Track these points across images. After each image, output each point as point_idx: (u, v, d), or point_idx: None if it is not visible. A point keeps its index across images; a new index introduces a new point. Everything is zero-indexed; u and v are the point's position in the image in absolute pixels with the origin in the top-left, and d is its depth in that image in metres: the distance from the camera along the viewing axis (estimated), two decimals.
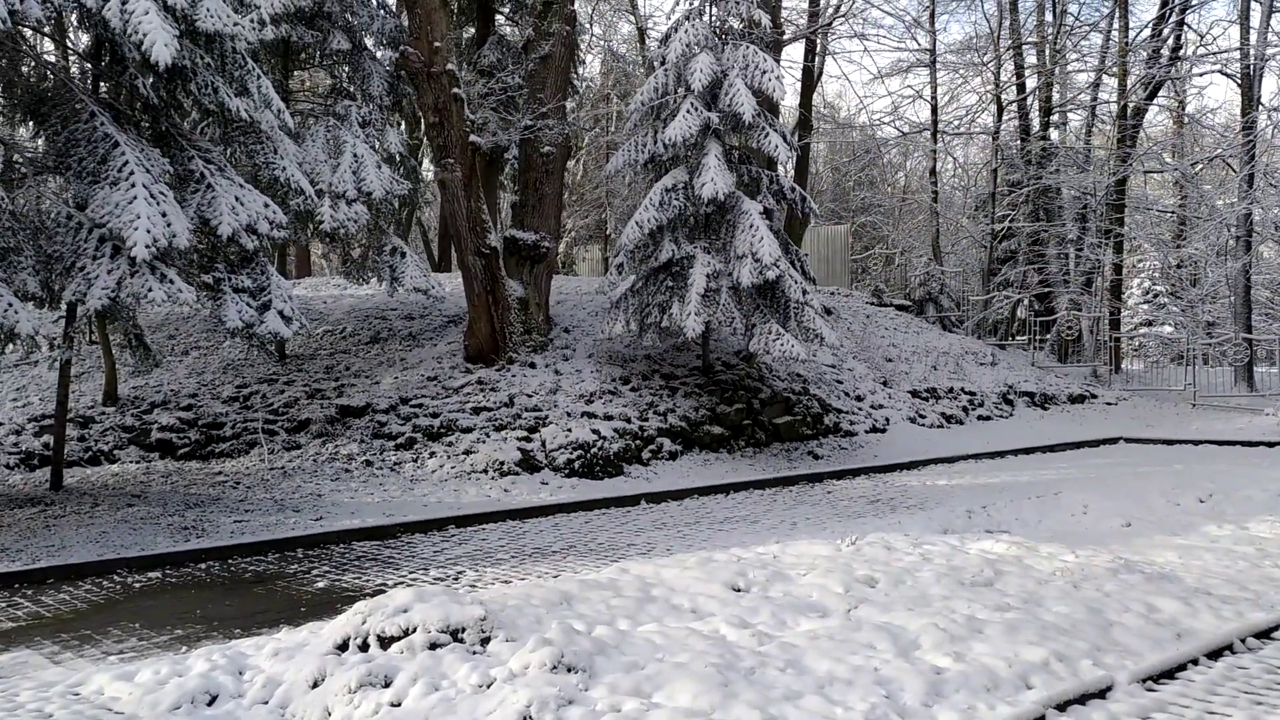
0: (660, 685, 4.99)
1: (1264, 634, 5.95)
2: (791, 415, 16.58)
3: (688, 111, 14.84)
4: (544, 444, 13.81)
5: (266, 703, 5.15)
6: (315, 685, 5.14)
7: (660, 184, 15.26)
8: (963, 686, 5.06)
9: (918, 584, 7.06)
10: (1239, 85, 27.57)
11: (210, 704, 5.18)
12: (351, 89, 16.20)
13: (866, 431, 17.67)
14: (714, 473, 14.31)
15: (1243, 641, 5.77)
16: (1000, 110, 32.15)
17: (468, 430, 14.03)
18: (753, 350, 14.92)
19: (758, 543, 8.94)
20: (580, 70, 21.28)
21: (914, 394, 20.18)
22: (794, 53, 30.23)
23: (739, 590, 7.01)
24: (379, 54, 16.51)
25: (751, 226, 14.55)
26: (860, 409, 18.36)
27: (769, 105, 16.78)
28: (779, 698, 4.87)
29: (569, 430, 14.02)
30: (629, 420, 14.82)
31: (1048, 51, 30.78)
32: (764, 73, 14.93)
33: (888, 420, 18.43)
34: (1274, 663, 5.48)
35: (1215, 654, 5.60)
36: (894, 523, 10.06)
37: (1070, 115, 33.83)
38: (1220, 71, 29.90)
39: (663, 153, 15.50)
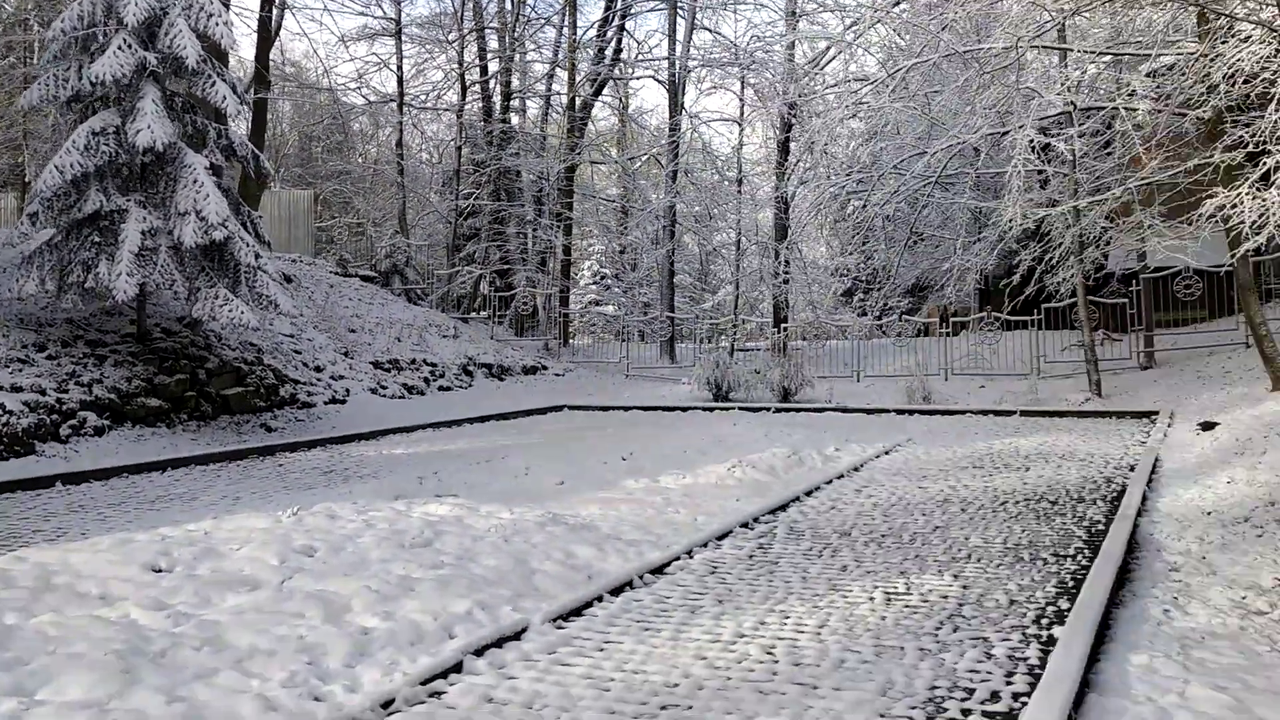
0: (48, 680, 4.47)
1: (658, 570, 6.74)
2: (243, 386, 15.66)
3: (120, 48, 13.28)
4: None
5: None
6: None
7: (86, 125, 13.50)
8: (389, 644, 5.10)
9: (358, 550, 6.99)
10: (668, 91, 31.16)
11: None
12: None
13: (326, 403, 17.28)
14: (149, 449, 13.06)
15: (640, 578, 6.48)
16: (465, 90, 33.02)
17: None
18: (197, 316, 13.82)
19: (191, 520, 8.28)
20: None
21: (376, 365, 20.13)
22: (250, 2, 28.39)
23: (160, 570, 6.44)
24: None
25: (196, 182, 13.45)
26: (320, 380, 17.90)
27: (217, 53, 15.60)
28: (190, 678, 4.55)
29: None
30: (44, 392, 12.97)
31: (507, 38, 32.20)
32: (210, 16, 13.84)
33: (348, 391, 18.18)
34: (663, 594, 6.21)
35: (617, 590, 6.22)
36: (345, 492, 9.92)
37: (528, 102, 35.90)
38: (653, 77, 33.55)
39: (90, 91, 13.72)
